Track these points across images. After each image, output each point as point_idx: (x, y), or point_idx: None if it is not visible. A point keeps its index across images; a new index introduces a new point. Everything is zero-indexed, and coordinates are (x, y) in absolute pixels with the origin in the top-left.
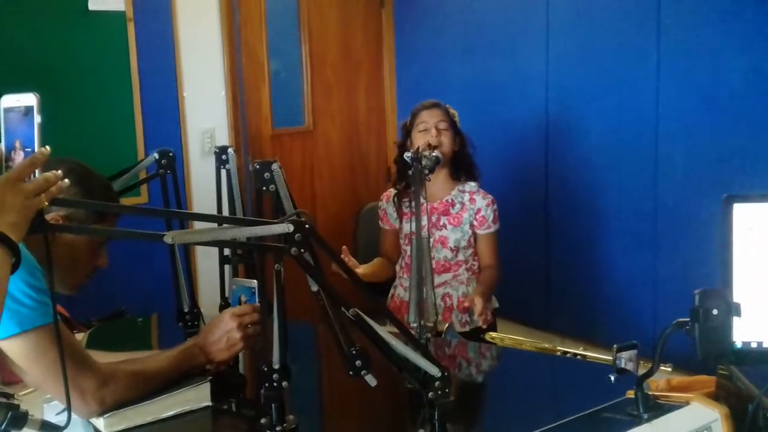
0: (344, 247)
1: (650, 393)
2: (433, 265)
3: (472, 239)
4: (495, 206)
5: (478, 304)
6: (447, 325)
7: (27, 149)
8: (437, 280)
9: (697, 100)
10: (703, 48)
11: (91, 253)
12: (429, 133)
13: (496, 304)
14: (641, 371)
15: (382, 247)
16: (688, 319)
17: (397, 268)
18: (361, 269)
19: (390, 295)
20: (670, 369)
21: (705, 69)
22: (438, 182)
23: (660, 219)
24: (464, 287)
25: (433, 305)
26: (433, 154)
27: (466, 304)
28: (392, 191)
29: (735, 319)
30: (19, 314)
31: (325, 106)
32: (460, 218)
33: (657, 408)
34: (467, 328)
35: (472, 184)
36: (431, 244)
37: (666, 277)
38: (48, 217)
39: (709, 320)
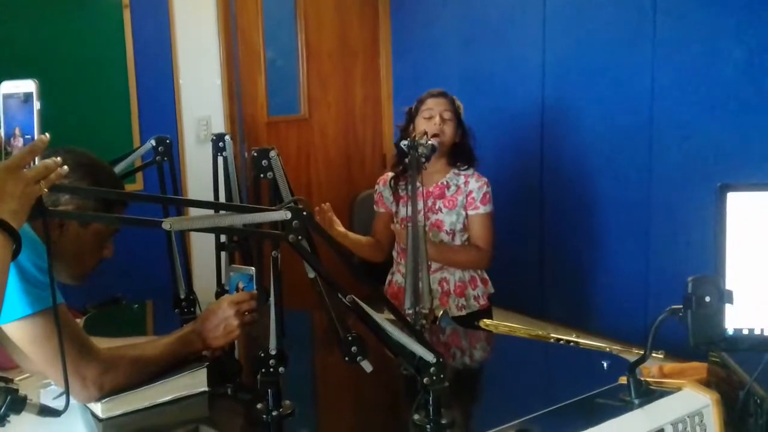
0: (327, 203)
1: (642, 379)
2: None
3: (467, 222)
4: (488, 188)
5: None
6: (442, 311)
7: (26, 136)
8: (434, 264)
9: (692, 89)
10: (698, 37)
11: (98, 245)
12: (433, 120)
13: (492, 290)
14: (633, 358)
15: (374, 229)
16: (681, 306)
17: (394, 254)
18: (342, 228)
19: (387, 281)
20: (662, 356)
21: (700, 58)
22: (435, 168)
23: (654, 207)
24: (461, 272)
25: (428, 292)
26: (430, 142)
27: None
28: (389, 174)
29: (727, 306)
30: (32, 294)
31: (320, 95)
32: (455, 201)
33: (649, 394)
34: (463, 312)
35: (469, 168)
36: (427, 228)
37: (659, 265)
38: (60, 209)
39: (702, 307)
